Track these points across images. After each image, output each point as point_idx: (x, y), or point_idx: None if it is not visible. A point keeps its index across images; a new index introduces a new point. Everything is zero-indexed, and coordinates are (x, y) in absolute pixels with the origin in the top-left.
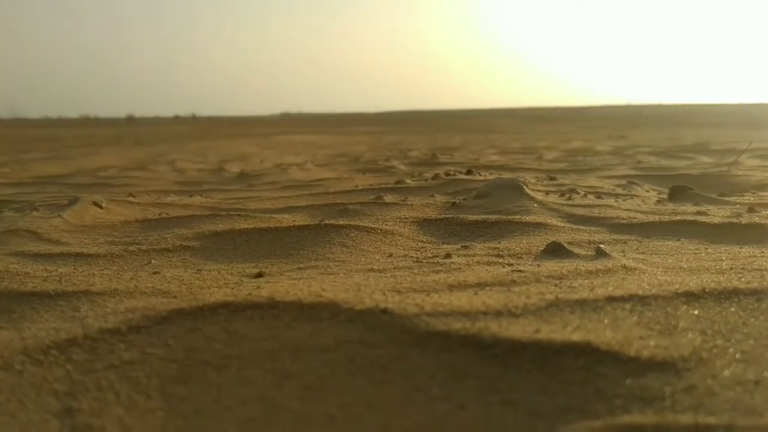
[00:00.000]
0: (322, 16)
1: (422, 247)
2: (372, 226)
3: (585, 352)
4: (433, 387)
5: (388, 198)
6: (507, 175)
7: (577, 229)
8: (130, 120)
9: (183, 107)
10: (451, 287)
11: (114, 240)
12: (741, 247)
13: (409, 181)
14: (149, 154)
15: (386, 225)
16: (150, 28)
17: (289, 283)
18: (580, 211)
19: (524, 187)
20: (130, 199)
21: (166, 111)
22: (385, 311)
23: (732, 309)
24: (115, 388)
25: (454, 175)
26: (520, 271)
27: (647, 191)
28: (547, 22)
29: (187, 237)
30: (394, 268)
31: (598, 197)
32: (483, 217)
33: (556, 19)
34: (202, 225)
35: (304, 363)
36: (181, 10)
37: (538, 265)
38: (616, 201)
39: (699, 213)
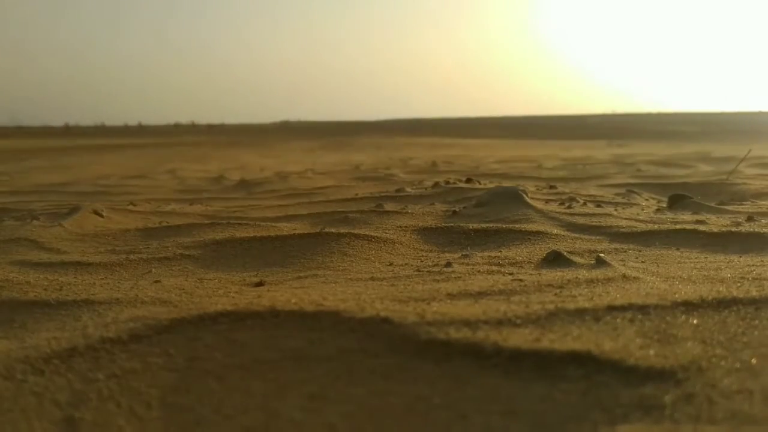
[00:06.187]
0: (322, 24)
1: (423, 256)
2: (372, 234)
3: (585, 361)
4: (434, 396)
5: (389, 206)
6: (507, 184)
7: (577, 237)
8: (130, 128)
9: (182, 115)
10: (451, 296)
11: (114, 249)
12: (740, 256)
13: (409, 189)
14: (149, 163)
15: (387, 233)
16: (150, 37)
17: (290, 291)
18: (580, 220)
19: (524, 195)
20: (131, 207)
21: (166, 119)
22: (385, 320)
23: (731, 318)
24: (117, 398)
25: (454, 183)
26: (521, 280)
27: (647, 200)
28: (546, 27)
29: (188, 245)
30: (395, 276)
31: (598, 206)
32: (483, 225)
33: (553, 25)
34: (202, 233)
35: (305, 372)
36: (179, 18)
37: (539, 274)
38: (616, 210)
39: (698, 222)
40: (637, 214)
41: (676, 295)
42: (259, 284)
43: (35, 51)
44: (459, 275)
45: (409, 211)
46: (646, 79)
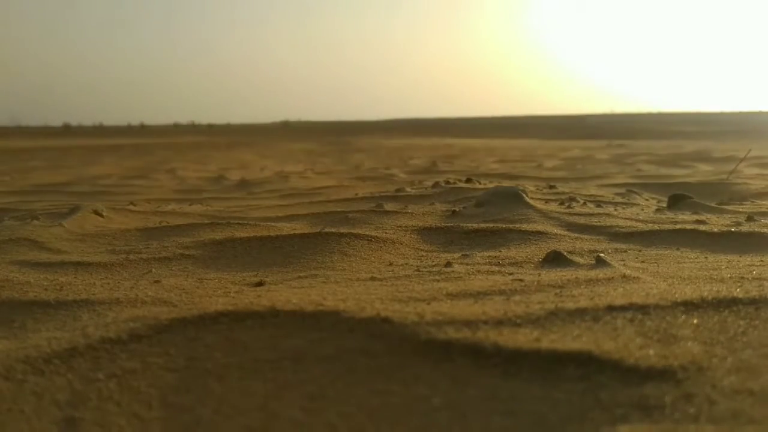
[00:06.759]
0: (322, 24)
1: (423, 256)
2: (372, 234)
3: (585, 361)
4: (434, 396)
5: (389, 206)
6: (507, 184)
7: (577, 237)
8: (132, 128)
9: (182, 115)
10: (451, 296)
11: (114, 249)
12: (740, 256)
13: (409, 189)
14: (149, 162)
15: (387, 233)
16: (150, 36)
17: (290, 291)
18: (580, 220)
19: (524, 195)
20: (131, 207)
21: (165, 119)
22: (385, 320)
23: (731, 318)
24: (117, 398)
25: (454, 183)
26: (521, 279)
27: (647, 200)
28: (546, 27)
29: (188, 245)
30: (395, 276)
31: (598, 206)
32: (483, 225)
33: (554, 25)
34: (202, 233)
35: (305, 372)
36: (179, 18)
37: (539, 274)
38: (616, 209)
39: (698, 222)
40: (637, 214)
41: (676, 295)
42: (259, 284)
43: (35, 51)
44: (459, 275)
45: (409, 210)
46: (645, 79)
